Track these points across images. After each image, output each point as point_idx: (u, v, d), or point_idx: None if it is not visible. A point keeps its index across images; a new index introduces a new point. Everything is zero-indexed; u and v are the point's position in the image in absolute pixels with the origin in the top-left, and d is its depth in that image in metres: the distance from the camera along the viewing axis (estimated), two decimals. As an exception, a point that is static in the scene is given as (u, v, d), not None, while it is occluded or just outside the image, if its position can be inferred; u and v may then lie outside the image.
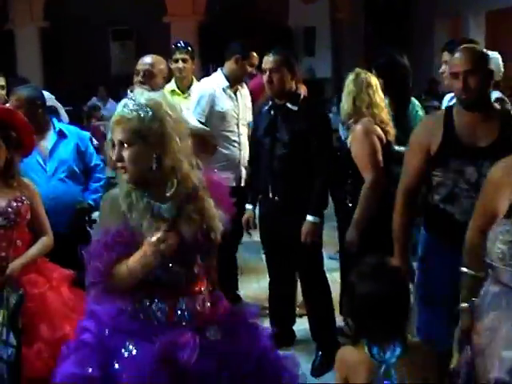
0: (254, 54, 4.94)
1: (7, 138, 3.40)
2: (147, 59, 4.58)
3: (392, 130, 4.02)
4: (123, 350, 2.40)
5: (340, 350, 2.49)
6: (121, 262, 2.35)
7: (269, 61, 3.95)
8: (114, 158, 2.39)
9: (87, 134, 4.52)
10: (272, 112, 4.04)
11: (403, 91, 4.40)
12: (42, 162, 4.04)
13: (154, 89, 3.77)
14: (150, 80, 4.48)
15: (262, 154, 4.11)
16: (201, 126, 4.61)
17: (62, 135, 4.18)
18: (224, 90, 4.76)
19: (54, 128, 4.20)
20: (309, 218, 3.89)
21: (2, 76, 4.66)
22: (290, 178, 3.97)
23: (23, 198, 3.44)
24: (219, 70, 4.87)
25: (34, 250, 3.44)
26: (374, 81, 3.99)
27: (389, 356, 2.29)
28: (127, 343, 2.41)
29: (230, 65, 4.79)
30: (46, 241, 3.52)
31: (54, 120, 4.33)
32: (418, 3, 14.51)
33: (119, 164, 2.38)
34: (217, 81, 4.81)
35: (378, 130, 3.92)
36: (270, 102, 4.08)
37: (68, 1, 13.62)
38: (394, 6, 14.78)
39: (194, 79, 5.20)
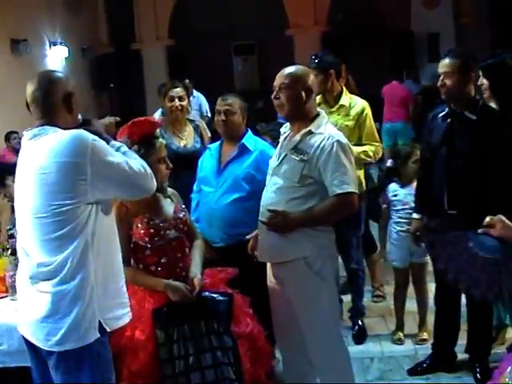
0: None
1: None
2: None
3: None
4: None
5: None
6: None
7: (443, 64, 3.76)
8: None
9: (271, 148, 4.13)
10: (449, 120, 3.82)
11: (510, 94, 3.95)
12: (214, 174, 4.00)
13: None
14: None
15: (436, 163, 3.87)
16: None
17: (244, 149, 4.03)
18: None
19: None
20: None
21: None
22: (469, 190, 3.70)
23: (182, 206, 3.48)
24: None
25: (198, 255, 3.44)
26: None
27: None
28: None
29: None
30: (202, 244, 3.55)
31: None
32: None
33: None
34: None
35: None
36: (447, 109, 3.85)
37: (191, 17, 13.88)
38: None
39: (345, 91, 5.03)
